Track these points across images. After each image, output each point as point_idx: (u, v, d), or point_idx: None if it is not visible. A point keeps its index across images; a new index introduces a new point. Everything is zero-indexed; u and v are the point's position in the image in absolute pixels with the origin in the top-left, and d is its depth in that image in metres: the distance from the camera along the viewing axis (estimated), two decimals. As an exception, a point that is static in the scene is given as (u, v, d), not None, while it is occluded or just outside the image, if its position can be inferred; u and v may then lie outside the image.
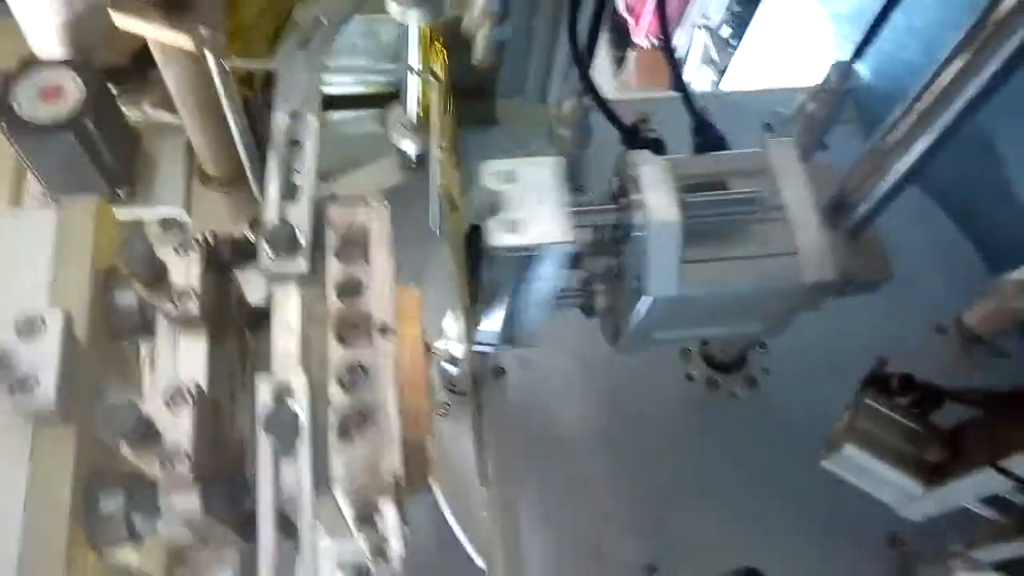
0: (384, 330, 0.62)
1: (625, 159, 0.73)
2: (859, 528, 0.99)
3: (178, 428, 0.55)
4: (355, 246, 0.65)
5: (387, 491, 0.56)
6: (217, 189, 1.11)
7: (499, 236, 0.66)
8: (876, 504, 1.02)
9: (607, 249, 0.76)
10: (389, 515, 0.58)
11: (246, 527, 0.57)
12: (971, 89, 0.62)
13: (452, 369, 1.03)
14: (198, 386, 0.57)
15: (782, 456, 1.03)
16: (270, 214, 0.65)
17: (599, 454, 1.04)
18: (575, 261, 0.75)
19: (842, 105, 1.03)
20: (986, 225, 1.20)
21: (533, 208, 0.68)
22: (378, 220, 0.66)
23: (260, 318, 0.68)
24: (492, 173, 0.70)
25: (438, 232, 0.89)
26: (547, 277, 0.72)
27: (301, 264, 0.63)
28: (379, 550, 0.65)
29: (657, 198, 0.69)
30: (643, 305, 0.72)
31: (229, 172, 1.10)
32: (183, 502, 0.55)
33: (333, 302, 0.63)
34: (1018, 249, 1.19)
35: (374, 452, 0.57)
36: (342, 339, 0.61)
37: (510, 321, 0.79)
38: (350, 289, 0.63)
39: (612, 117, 0.94)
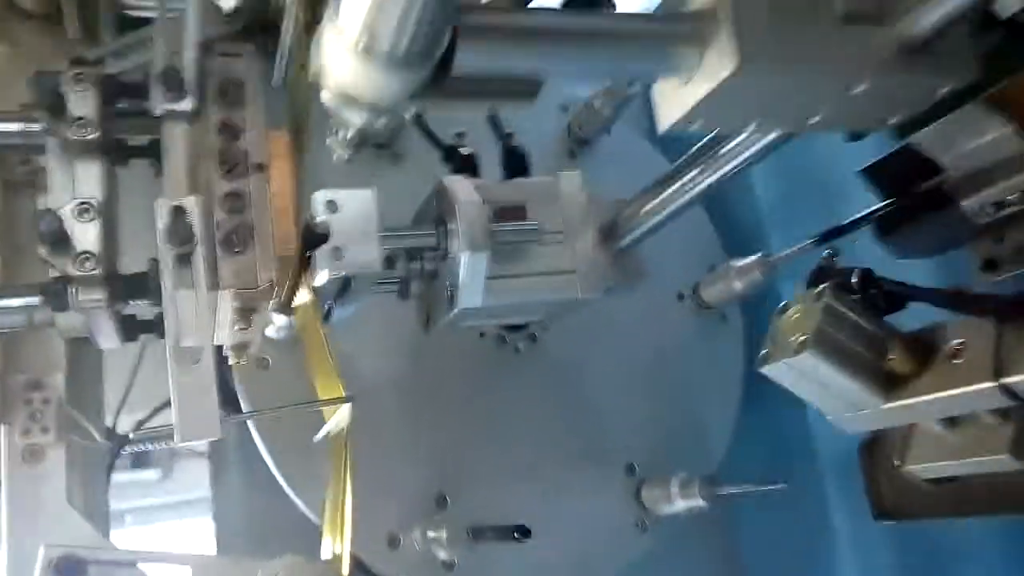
0: (260, 167, 0.78)
1: (443, 186, 0.86)
2: (603, 460, 1.26)
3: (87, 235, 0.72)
4: (234, 93, 0.79)
5: (265, 295, 0.74)
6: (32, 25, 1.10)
7: (320, 274, 0.78)
8: (619, 439, 1.28)
9: (422, 257, 0.90)
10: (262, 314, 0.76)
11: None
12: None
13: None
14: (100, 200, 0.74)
15: (552, 400, 1.26)
16: (159, 61, 0.77)
17: (397, 401, 1.20)
18: (391, 263, 0.88)
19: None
20: (725, 210, 1.47)
21: (352, 236, 0.80)
22: (252, 72, 0.79)
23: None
24: (319, 202, 0.80)
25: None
26: (363, 290, 0.85)
27: (188, 104, 0.77)
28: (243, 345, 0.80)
29: (470, 229, 0.83)
30: (453, 311, 0.87)
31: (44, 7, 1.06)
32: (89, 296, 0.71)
33: (215, 140, 0.77)
34: (748, 234, 1.47)
35: (254, 263, 0.74)
36: (225, 172, 0.75)
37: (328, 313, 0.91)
38: (230, 131, 0.77)
39: (429, 134, 1.05)
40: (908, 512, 0.92)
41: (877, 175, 1.01)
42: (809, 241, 1.15)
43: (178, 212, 0.72)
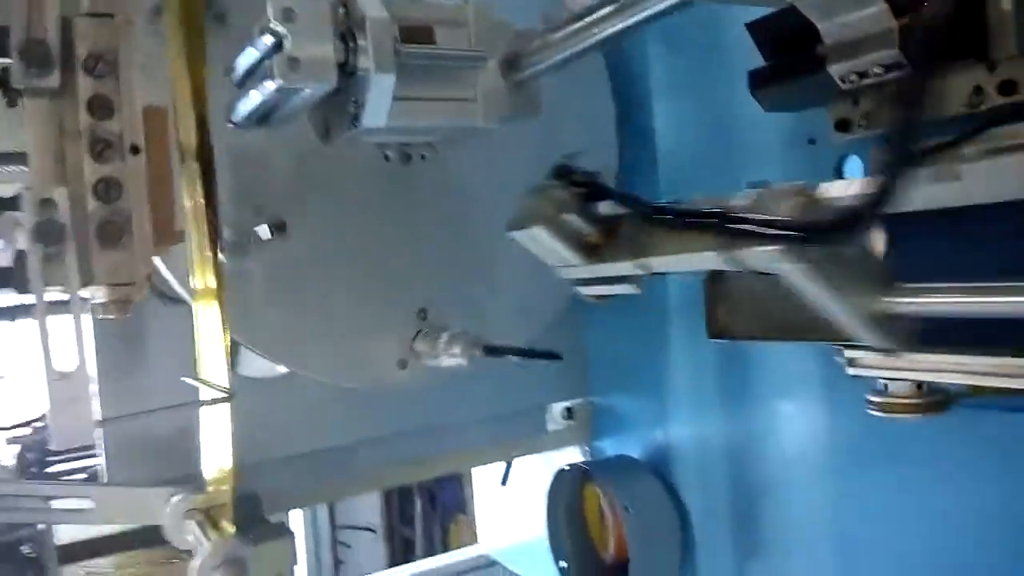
0: (135, 149, 0.73)
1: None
2: (398, 301, 1.32)
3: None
4: (106, 64, 0.72)
5: (140, 289, 0.73)
6: None
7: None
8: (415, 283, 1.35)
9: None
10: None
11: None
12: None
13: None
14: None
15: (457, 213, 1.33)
16: (17, 33, 0.68)
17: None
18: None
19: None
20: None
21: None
22: (127, 39, 0.72)
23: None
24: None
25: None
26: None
27: (54, 79, 0.69)
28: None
29: (379, 49, 0.84)
30: (356, 129, 0.89)
31: None
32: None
33: (85, 119, 0.71)
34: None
35: (129, 257, 0.72)
36: (96, 156, 0.71)
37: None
38: (101, 108, 0.71)
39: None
40: (733, 334, 1.08)
41: (762, 31, 1.08)
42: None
43: (46, 206, 0.66)
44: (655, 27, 1.51)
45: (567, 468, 1.66)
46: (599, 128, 1.51)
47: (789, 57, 1.05)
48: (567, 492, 1.70)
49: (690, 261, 0.85)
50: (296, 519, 4.02)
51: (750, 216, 0.77)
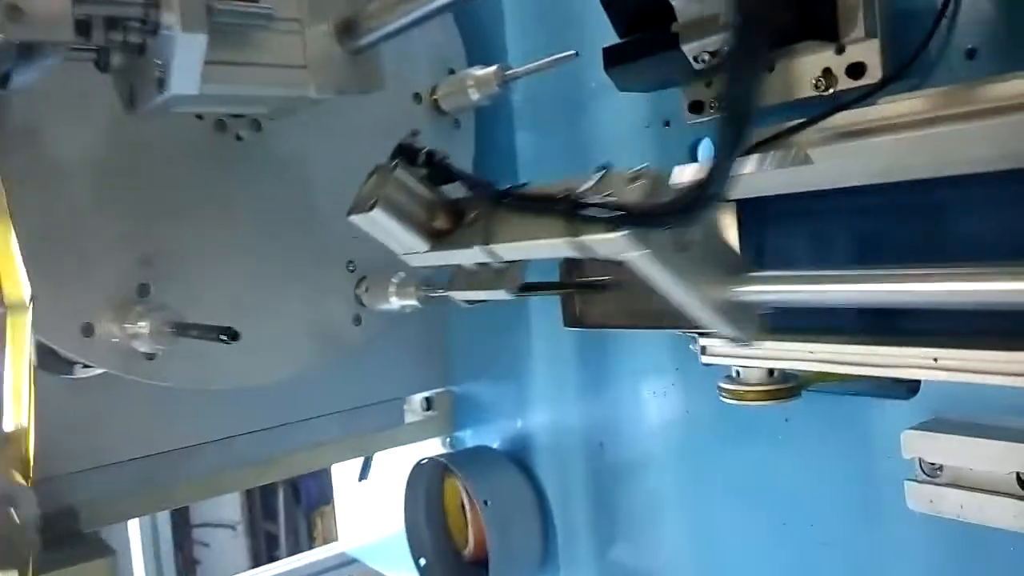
0: None
1: (156, -54, 0.74)
2: (324, 256, 1.26)
3: None
4: None
5: None
6: None
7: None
8: (341, 236, 1.28)
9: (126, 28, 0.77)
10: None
11: None
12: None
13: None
14: None
15: (275, 193, 1.22)
16: None
17: (96, 182, 1.08)
18: (85, 29, 0.75)
19: None
20: (471, 19, 1.44)
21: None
22: None
23: None
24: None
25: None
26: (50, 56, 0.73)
27: None
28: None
29: (187, 4, 0.73)
30: (163, 96, 0.78)
31: None
32: None
33: None
34: (491, 44, 1.45)
35: None
36: None
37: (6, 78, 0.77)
38: None
39: None
40: (590, 322, 1.04)
41: (616, 7, 1.03)
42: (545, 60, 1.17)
43: None
44: (510, 4, 1.48)
45: (425, 461, 1.59)
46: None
47: (643, 34, 1.01)
48: (426, 486, 1.64)
49: (538, 248, 0.80)
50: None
51: (595, 200, 0.73)
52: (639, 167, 0.76)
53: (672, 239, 0.72)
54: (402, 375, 1.66)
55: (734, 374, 0.97)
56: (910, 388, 0.95)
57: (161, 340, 1.01)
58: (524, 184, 0.89)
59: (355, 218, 0.94)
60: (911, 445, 0.90)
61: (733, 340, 0.86)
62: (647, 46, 1.00)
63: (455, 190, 0.97)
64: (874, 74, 0.89)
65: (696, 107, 1.06)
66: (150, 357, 1.08)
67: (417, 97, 1.34)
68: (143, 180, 1.11)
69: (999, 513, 0.84)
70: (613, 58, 1.05)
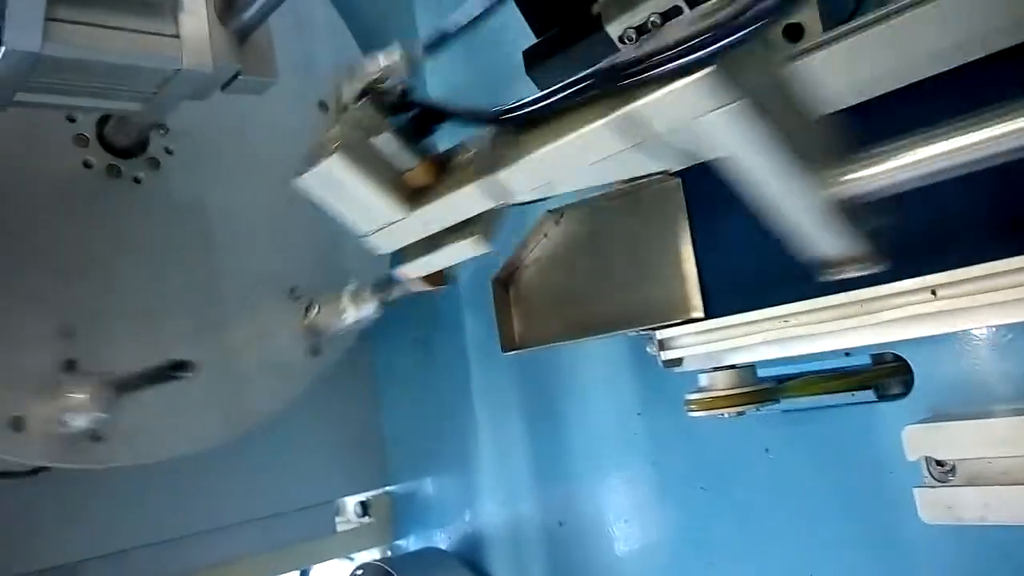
0: None
1: None
2: (264, 287, 1.12)
3: None
4: None
5: None
6: None
7: None
8: (276, 263, 1.15)
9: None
10: None
11: None
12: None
13: None
14: None
15: (190, 231, 1.09)
16: None
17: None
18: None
19: None
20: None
21: None
22: None
23: None
24: None
25: None
26: None
27: None
28: None
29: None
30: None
31: None
32: None
33: None
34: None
35: None
36: None
37: None
38: None
39: None
40: (532, 340, 0.90)
41: (530, 4, 0.97)
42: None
43: None
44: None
45: (360, 572, 1.37)
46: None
47: (562, 26, 0.94)
48: (363, 600, 1.40)
49: (569, 154, 0.58)
50: None
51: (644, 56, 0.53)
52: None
53: (773, 88, 0.53)
54: (331, 475, 1.47)
55: (703, 383, 0.82)
56: (904, 384, 0.83)
57: (103, 406, 0.85)
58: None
59: (306, 177, 0.69)
60: (915, 442, 0.76)
61: (852, 266, 0.58)
62: (567, 36, 0.92)
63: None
64: (813, 34, 0.82)
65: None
66: (96, 438, 0.92)
67: (323, 105, 1.22)
68: (43, 242, 0.98)
69: (1027, 508, 0.69)
70: (534, 58, 0.97)
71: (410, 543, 1.50)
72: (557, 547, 1.21)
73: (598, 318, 0.85)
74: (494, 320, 0.92)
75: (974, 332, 0.76)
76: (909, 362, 0.81)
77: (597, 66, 0.58)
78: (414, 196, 0.70)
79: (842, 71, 0.68)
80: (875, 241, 0.56)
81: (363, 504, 1.52)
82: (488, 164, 0.64)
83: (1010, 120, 0.46)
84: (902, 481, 0.77)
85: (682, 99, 0.50)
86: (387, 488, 1.53)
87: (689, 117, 0.51)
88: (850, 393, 0.89)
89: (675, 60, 0.50)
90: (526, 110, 0.62)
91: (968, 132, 0.48)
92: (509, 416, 1.29)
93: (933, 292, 0.61)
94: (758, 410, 0.81)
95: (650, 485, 1.07)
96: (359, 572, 1.37)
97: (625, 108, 0.52)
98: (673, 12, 0.84)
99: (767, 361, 0.83)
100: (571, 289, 0.89)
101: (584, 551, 1.17)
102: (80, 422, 0.90)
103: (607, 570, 1.14)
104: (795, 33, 0.83)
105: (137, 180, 1.07)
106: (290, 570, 1.55)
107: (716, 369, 0.79)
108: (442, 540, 1.42)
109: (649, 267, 0.82)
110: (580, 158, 0.58)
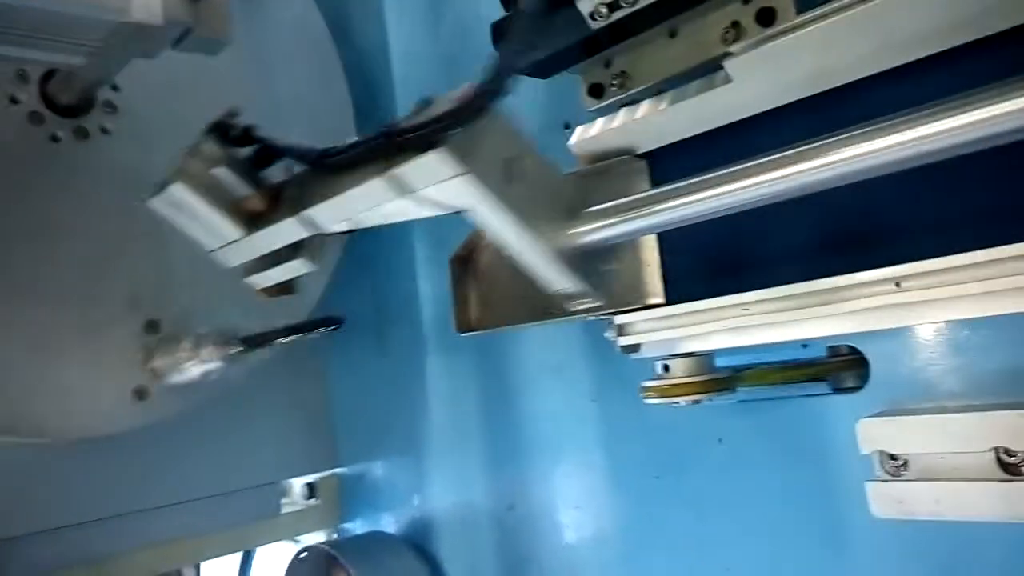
0: None
1: None
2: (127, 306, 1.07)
3: None
4: None
5: None
6: None
7: None
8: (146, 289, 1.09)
9: None
10: None
11: None
12: None
13: None
14: None
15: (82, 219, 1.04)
16: None
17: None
18: None
19: None
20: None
21: None
22: None
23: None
24: None
25: None
26: None
27: None
28: None
29: None
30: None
31: None
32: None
33: None
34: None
35: None
36: None
37: None
38: None
39: None
40: (488, 323, 0.88)
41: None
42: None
43: None
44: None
45: (304, 554, 1.34)
46: (329, 87, 1.30)
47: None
48: (307, 584, 1.37)
49: (354, 200, 0.70)
50: None
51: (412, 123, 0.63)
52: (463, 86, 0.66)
53: (501, 164, 0.66)
54: (278, 456, 1.43)
55: (660, 370, 0.81)
56: (859, 377, 0.82)
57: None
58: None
59: (155, 201, 0.81)
60: (868, 436, 0.75)
61: (587, 303, 0.77)
62: (536, 11, 0.90)
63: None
64: (786, 18, 0.81)
65: (595, 91, 0.96)
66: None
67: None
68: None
69: (982, 502, 0.69)
70: (501, 34, 0.94)
71: (358, 526, 1.47)
72: (506, 532, 1.20)
73: (552, 302, 0.83)
74: (450, 302, 0.90)
75: (931, 328, 0.75)
76: (865, 355, 0.80)
77: (384, 127, 0.67)
78: (251, 220, 0.81)
79: (810, 57, 0.66)
80: (597, 281, 0.73)
81: (310, 486, 1.49)
82: (302, 200, 0.76)
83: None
84: (856, 474, 0.77)
85: (426, 168, 0.63)
86: (335, 470, 1.50)
87: (433, 182, 0.63)
88: (805, 384, 0.89)
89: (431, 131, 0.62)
90: (333, 158, 0.72)
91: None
92: (462, 400, 1.27)
93: (897, 283, 0.60)
94: (711, 400, 0.80)
95: (603, 472, 1.06)
96: (303, 554, 1.34)
97: (392, 170, 0.65)
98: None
99: (725, 350, 0.82)
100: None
101: (534, 537, 1.15)
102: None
103: (557, 556, 1.12)
104: (767, 18, 0.82)
105: (55, 138, 1.01)
106: (234, 551, 1.52)
107: (673, 356, 0.78)
108: (390, 523, 1.40)
109: (610, 250, 0.80)
110: (364, 203, 0.70)
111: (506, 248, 0.70)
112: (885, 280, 0.60)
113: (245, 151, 0.83)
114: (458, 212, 0.70)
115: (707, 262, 0.79)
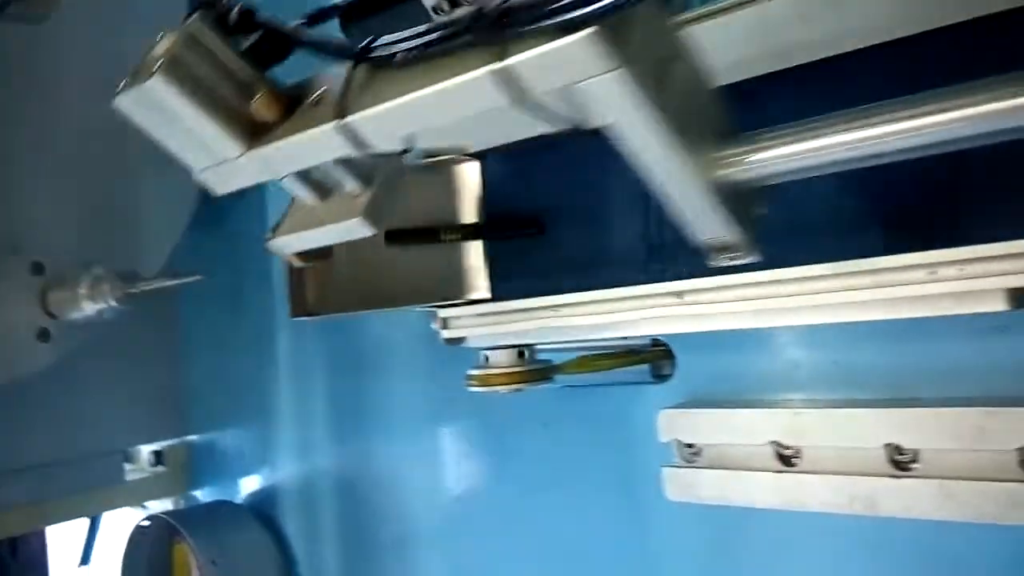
0: None
1: None
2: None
3: None
4: None
5: None
6: None
7: None
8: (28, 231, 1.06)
9: None
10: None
11: None
12: None
13: None
14: None
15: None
16: None
17: None
18: None
19: None
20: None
21: None
22: None
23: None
24: None
25: None
26: None
27: None
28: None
29: None
30: None
31: None
32: None
33: None
34: None
35: None
36: None
37: None
38: None
39: None
40: (326, 308, 0.90)
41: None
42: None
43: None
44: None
45: (147, 523, 1.33)
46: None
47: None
48: (149, 552, 1.37)
49: (436, 100, 0.51)
50: None
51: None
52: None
53: (654, 64, 0.49)
54: (125, 422, 1.40)
55: (483, 360, 0.85)
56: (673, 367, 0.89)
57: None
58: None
59: (123, 98, 0.59)
60: (667, 425, 0.82)
61: (727, 253, 0.57)
62: (382, -1, 0.90)
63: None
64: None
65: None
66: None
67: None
68: None
69: (760, 490, 0.77)
70: (349, 16, 0.94)
71: (205, 495, 1.47)
72: (349, 505, 1.22)
73: (391, 291, 0.85)
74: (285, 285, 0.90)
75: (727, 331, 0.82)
76: (672, 348, 0.86)
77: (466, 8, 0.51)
78: (255, 132, 0.61)
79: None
80: (752, 230, 0.55)
81: (157, 453, 1.47)
82: (345, 105, 0.56)
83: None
84: (661, 458, 0.83)
85: (560, 57, 0.45)
86: (184, 438, 1.48)
87: (568, 80, 0.47)
88: (630, 371, 0.95)
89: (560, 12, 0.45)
90: (397, 47, 0.54)
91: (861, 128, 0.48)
92: (312, 374, 1.28)
93: (679, 295, 0.65)
94: (533, 388, 0.85)
95: (439, 451, 1.10)
96: (145, 523, 1.33)
97: (503, 61, 0.47)
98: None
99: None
100: (367, 258, 0.89)
101: (374, 511, 1.19)
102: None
103: (396, 528, 1.16)
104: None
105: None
106: (78, 517, 1.49)
107: (495, 348, 0.82)
108: (238, 493, 1.41)
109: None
110: (447, 109, 0.52)
111: (648, 176, 0.53)
112: (669, 293, 0.65)
113: (246, 41, 0.62)
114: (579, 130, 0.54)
115: (533, 260, 0.83)
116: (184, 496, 1.49)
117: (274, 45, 0.62)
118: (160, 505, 1.46)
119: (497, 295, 0.81)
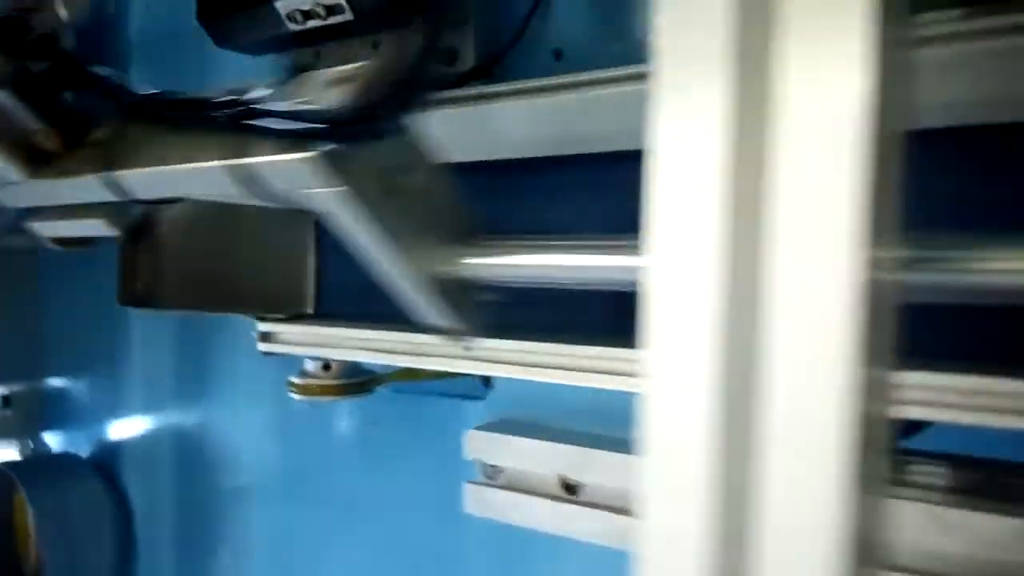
0: None
1: None
2: None
3: None
4: None
5: None
6: None
7: None
8: None
9: None
10: None
11: None
12: None
13: None
14: None
15: None
16: None
17: None
18: None
19: None
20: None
21: None
22: None
23: None
24: None
25: None
26: None
27: None
28: None
29: None
30: None
31: None
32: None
33: None
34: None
35: None
36: None
37: None
38: None
39: None
40: (158, 301, 0.90)
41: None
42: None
43: None
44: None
45: (-12, 472, 1.33)
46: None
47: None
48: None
49: (184, 176, 0.57)
50: None
51: (277, 108, 0.54)
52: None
53: (381, 177, 0.52)
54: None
55: (304, 366, 0.88)
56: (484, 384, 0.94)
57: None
58: (176, 92, 0.65)
59: None
60: (473, 445, 0.87)
61: (450, 336, 0.64)
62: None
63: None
64: (466, 62, 0.86)
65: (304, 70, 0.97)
66: None
67: None
68: None
69: (540, 515, 0.83)
70: (204, 12, 0.93)
71: (53, 443, 1.47)
72: (187, 466, 1.25)
73: (222, 294, 0.86)
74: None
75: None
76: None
77: (232, 98, 0.57)
78: (38, 160, 0.64)
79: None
80: (474, 317, 0.60)
81: (6, 398, 1.46)
82: (110, 156, 0.61)
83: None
84: (471, 474, 0.89)
85: (291, 171, 0.51)
86: (35, 384, 1.47)
87: (294, 187, 0.52)
88: (458, 381, 0.99)
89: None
90: (161, 111, 0.58)
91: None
92: (163, 332, 1.28)
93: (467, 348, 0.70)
94: (352, 398, 0.89)
95: (277, 421, 1.13)
96: (-13, 472, 1.33)
97: (241, 158, 0.52)
98: (336, 9, 0.85)
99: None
100: (204, 257, 0.88)
101: (212, 473, 1.22)
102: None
103: (231, 492, 1.20)
104: (451, 57, 0.87)
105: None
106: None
107: (314, 358, 0.85)
108: (84, 444, 1.41)
109: (278, 251, 0.84)
110: (192, 186, 0.59)
111: (370, 266, 0.58)
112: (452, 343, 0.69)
113: (39, 65, 0.63)
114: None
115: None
116: (35, 440, 1.48)
117: (58, 78, 0.63)
118: (4, 451, 1.45)
119: (321, 311, 0.83)
